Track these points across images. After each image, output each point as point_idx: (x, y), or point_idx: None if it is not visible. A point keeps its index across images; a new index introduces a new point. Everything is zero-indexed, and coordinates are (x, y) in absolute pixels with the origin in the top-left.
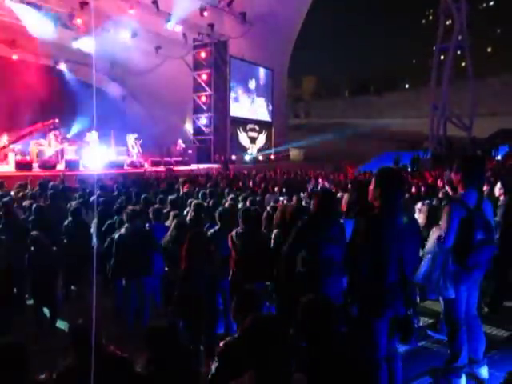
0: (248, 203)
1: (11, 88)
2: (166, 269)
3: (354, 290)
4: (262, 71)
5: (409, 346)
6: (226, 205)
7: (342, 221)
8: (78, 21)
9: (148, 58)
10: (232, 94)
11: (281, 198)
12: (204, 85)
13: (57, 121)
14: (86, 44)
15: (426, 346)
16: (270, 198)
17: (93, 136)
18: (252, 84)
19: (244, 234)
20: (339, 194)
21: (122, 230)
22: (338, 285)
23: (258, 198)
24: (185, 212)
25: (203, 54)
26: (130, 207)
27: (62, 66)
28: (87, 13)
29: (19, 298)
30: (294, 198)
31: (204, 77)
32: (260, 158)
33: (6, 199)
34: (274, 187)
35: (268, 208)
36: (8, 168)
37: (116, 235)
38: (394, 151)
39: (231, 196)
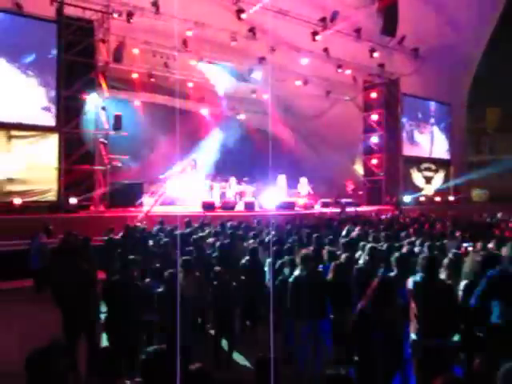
0: (427, 249)
1: (201, 138)
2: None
3: None
4: (437, 107)
5: None
6: (404, 249)
7: None
8: (257, 74)
9: (318, 103)
10: (404, 133)
11: (464, 245)
12: (375, 125)
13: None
14: (263, 96)
15: None
16: (452, 244)
17: (282, 179)
18: (427, 121)
19: (425, 283)
20: None
21: (297, 272)
22: None
23: (437, 243)
24: (357, 255)
25: (374, 95)
26: (304, 250)
27: (241, 116)
28: (264, 67)
29: (201, 327)
30: (479, 245)
31: (375, 117)
32: (437, 199)
33: (196, 236)
34: (455, 231)
35: (450, 255)
36: (194, 208)
37: (291, 275)
38: None
39: (408, 240)
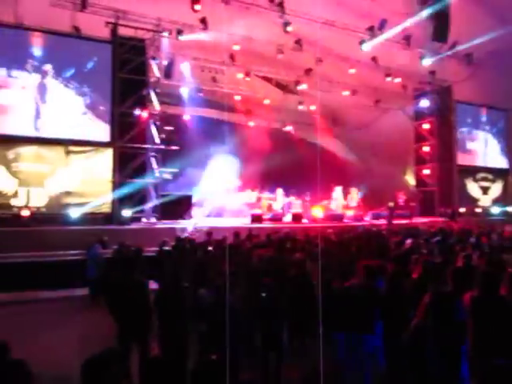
0: (485, 263)
1: (248, 151)
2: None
3: None
4: (492, 113)
5: None
6: (460, 263)
7: None
8: (304, 86)
9: (367, 113)
10: (458, 142)
11: None
12: (426, 134)
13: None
14: (310, 107)
15: None
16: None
17: (338, 191)
18: (482, 128)
19: (483, 299)
20: None
21: (345, 284)
22: None
23: (495, 257)
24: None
25: (425, 103)
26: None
27: (289, 128)
28: (311, 78)
29: (249, 339)
30: None
31: (426, 126)
32: (495, 210)
33: (244, 248)
34: None
35: (510, 269)
36: (242, 220)
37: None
38: None
39: (464, 253)
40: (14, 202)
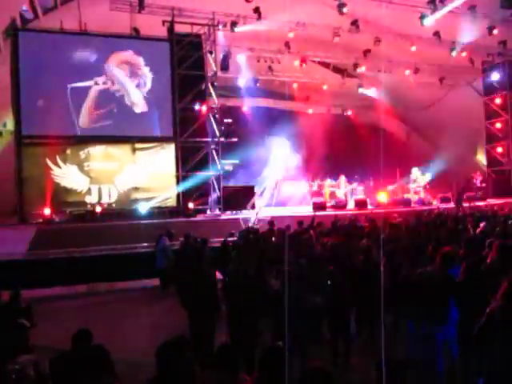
0: None
1: (308, 138)
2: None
3: None
4: None
5: None
6: None
7: None
8: (363, 68)
9: (431, 91)
10: None
11: None
12: (498, 110)
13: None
14: (370, 90)
15: None
16: None
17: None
18: None
19: None
20: None
21: (419, 271)
22: None
23: None
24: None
25: (495, 76)
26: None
27: (349, 112)
28: (370, 60)
29: (317, 328)
30: None
31: (498, 101)
32: None
33: (307, 236)
34: None
35: None
36: (305, 209)
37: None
38: None
39: None
40: (87, 199)
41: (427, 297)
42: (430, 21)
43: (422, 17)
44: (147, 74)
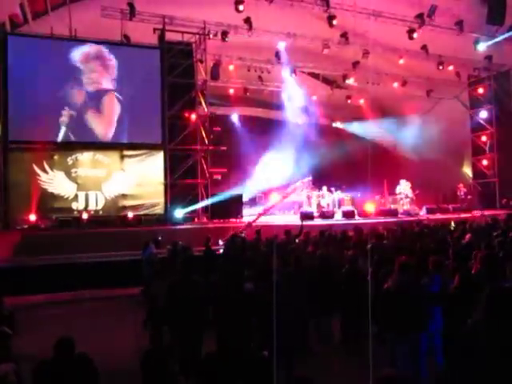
0: None
1: (298, 147)
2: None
3: None
4: None
5: None
6: None
7: None
8: (351, 80)
9: (419, 103)
10: None
11: None
12: (484, 123)
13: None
14: (359, 100)
15: None
16: None
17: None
18: None
19: None
20: None
21: (390, 282)
22: None
23: None
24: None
25: (481, 90)
26: (403, 258)
27: (337, 123)
28: (359, 71)
29: (302, 336)
30: None
31: (483, 114)
32: None
33: (294, 246)
34: None
35: None
36: (294, 218)
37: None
38: None
39: None
40: (74, 205)
41: (399, 306)
42: (418, 35)
43: (411, 31)
44: (137, 81)
